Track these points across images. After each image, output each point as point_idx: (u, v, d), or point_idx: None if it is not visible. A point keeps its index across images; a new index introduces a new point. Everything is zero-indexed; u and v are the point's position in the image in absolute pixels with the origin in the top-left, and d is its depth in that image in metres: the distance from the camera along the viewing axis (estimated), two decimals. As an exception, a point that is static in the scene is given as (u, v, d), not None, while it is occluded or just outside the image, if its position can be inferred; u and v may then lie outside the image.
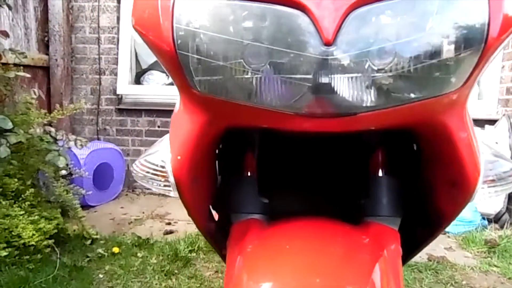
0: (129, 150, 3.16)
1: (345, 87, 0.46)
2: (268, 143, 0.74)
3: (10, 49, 1.79)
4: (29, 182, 1.86)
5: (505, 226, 2.45)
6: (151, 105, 3.11)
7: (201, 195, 0.69)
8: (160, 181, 0.65)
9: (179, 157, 0.59)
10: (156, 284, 1.78)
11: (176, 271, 1.89)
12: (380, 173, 0.67)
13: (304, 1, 0.45)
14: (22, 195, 1.76)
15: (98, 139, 3.14)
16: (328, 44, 0.44)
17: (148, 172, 0.66)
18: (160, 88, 3.14)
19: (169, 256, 2.01)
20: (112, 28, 3.08)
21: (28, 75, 1.95)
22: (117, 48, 3.10)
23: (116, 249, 2.05)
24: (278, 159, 0.77)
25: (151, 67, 3.24)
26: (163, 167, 0.64)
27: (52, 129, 1.84)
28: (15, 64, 2.00)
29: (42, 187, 2.01)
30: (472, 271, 2.00)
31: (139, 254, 2.05)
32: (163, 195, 3.14)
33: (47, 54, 3.00)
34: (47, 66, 3.00)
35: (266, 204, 0.71)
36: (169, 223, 2.57)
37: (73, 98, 3.14)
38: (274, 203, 0.71)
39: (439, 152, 0.58)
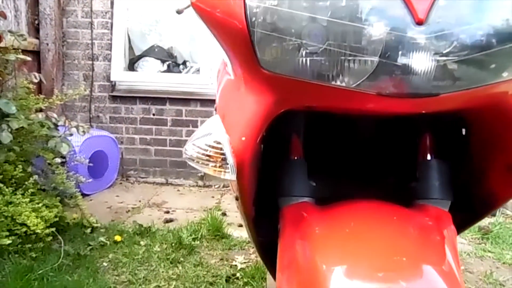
0: (123, 138, 3.10)
1: (430, 68, 0.47)
2: (314, 126, 0.74)
3: (9, 31, 1.72)
4: (29, 169, 1.81)
5: (496, 214, 2.53)
6: (146, 93, 3.06)
7: (253, 179, 0.68)
8: (215, 162, 0.64)
9: (243, 138, 0.58)
10: (162, 272, 1.77)
11: (181, 259, 1.88)
12: (430, 157, 0.68)
13: None
14: (26, 183, 1.71)
15: (91, 126, 3.06)
16: (420, 23, 0.44)
17: (201, 154, 0.65)
18: (155, 75, 3.09)
19: (172, 244, 2.00)
20: (106, 12, 2.99)
21: (28, 58, 1.88)
22: (111, 34, 3.01)
23: (118, 238, 2.02)
24: (324, 142, 0.77)
25: (145, 54, 3.18)
26: (217, 148, 0.63)
27: (54, 115, 1.78)
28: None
29: (40, 174, 1.96)
30: (468, 257, 2.07)
31: (141, 243, 2.03)
32: (158, 183, 3.12)
33: (38, 38, 2.90)
34: (38, 50, 2.90)
35: (314, 188, 0.71)
36: (167, 212, 2.55)
37: (65, 84, 3.06)
38: (321, 186, 0.71)
39: (497, 136, 0.59)
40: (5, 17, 1.75)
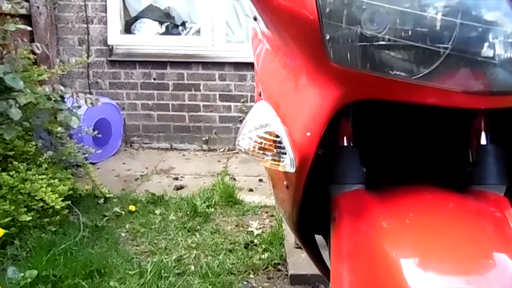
0: (124, 104, 3.04)
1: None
2: (362, 110, 0.72)
3: (6, -1, 1.62)
4: (39, 144, 1.77)
5: None
6: (145, 56, 2.96)
7: (309, 171, 0.66)
8: (269, 154, 0.63)
9: (308, 134, 0.56)
10: (181, 240, 1.80)
11: (198, 227, 1.91)
12: (486, 141, 0.66)
13: None
14: (39, 159, 1.69)
15: (90, 93, 2.99)
16: None
17: (256, 146, 0.63)
18: (154, 38, 2.98)
19: (188, 213, 2.02)
20: (98, -29, 2.82)
21: (30, 28, 1.79)
22: (105, -6, 2.86)
23: (132, 207, 2.04)
24: (373, 126, 0.75)
25: (141, 15, 3.05)
26: (274, 141, 0.62)
27: (61, 87, 1.72)
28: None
29: (50, 147, 1.93)
30: None
31: (156, 212, 2.05)
32: (162, 149, 3.10)
33: (27, 1, 2.74)
34: (29, 14, 2.75)
35: (365, 174, 0.70)
36: (176, 178, 2.55)
37: (60, 49, 2.94)
38: (372, 172, 0.70)
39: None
40: (-2, -18, 1.63)
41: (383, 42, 0.48)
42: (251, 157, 0.65)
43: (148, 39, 2.97)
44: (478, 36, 0.45)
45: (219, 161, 2.90)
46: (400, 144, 0.77)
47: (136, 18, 3.03)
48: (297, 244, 1.64)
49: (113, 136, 2.87)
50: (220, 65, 2.96)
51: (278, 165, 0.63)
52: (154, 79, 3.00)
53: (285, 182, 0.72)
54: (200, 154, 3.06)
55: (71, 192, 1.88)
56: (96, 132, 2.09)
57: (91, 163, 2.64)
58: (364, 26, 0.48)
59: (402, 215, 0.58)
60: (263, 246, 1.74)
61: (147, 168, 2.72)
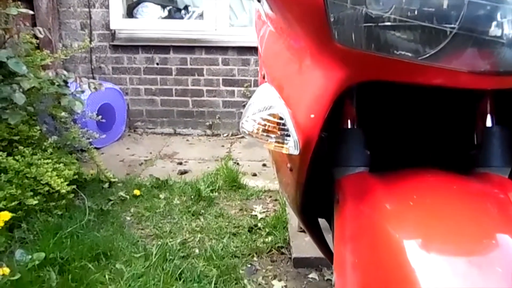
0: (127, 89, 3.04)
1: None
2: (365, 92, 0.71)
3: (7, -18, 1.60)
4: (44, 129, 1.78)
5: None
6: (148, 41, 2.94)
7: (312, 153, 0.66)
8: (273, 136, 0.63)
9: (312, 116, 0.56)
10: (185, 224, 1.82)
11: (202, 211, 1.93)
12: (491, 123, 0.66)
13: None
14: (45, 143, 1.70)
15: (94, 78, 2.98)
16: None
17: (260, 128, 0.63)
18: (157, 22, 2.95)
19: (192, 197, 2.04)
20: (99, -47, 2.79)
21: (31, 12, 1.78)
22: (106, -23, 2.83)
23: (137, 192, 2.06)
24: (376, 109, 0.75)
25: (144, -1, 3.02)
26: (278, 123, 0.61)
27: (65, 72, 1.72)
28: None
29: (54, 132, 1.93)
30: None
31: (161, 196, 2.06)
32: (166, 134, 3.10)
33: (29, -16, 2.71)
34: (30, -2, 2.73)
35: (369, 156, 0.70)
36: (180, 163, 2.57)
37: (62, 34, 2.92)
38: (376, 154, 0.70)
39: None
40: (-1, -34, 1.61)
41: (389, 23, 0.47)
42: (255, 139, 0.65)
43: (151, 23, 2.94)
44: (486, 15, 0.44)
45: (223, 146, 2.90)
46: (405, 127, 0.77)
47: (138, 2, 3.00)
48: (301, 228, 1.65)
49: (117, 121, 2.87)
50: (223, 49, 2.93)
51: (282, 147, 0.63)
52: (157, 63, 2.99)
53: (288, 165, 0.72)
54: (203, 139, 3.07)
55: (76, 176, 1.90)
56: (100, 117, 2.10)
57: (95, 148, 2.67)
58: (369, 6, 0.47)
59: (405, 197, 0.58)
60: (267, 230, 1.75)
61: (151, 153, 2.73)
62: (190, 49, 2.94)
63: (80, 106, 1.72)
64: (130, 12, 3.00)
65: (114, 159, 2.59)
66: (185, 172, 2.42)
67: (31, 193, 1.63)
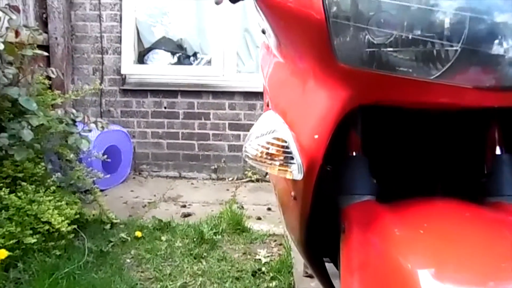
0: (134, 132, 3.07)
1: None
2: (372, 120, 0.71)
3: (24, 26, 1.68)
4: (50, 166, 1.78)
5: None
6: (157, 86, 3.02)
7: (317, 179, 0.65)
8: (278, 161, 0.61)
9: (316, 136, 0.55)
10: (187, 267, 1.75)
11: (204, 254, 1.87)
12: (501, 151, 0.65)
13: None
14: (48, 181, 1.69)
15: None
16: None
17: (263, 152, 0.62)
18: (165, 68, 3.05)
19: (194, 239, 1.98)
20: (114, 5, 2.94)
21: (46, 53, 1.85)
22: (120, 26, 2.97)
23: (138, 233, 2.01)
24: (383, 137, 0.74)
25: (155, 46, 3.14)
26: (282, 146, 0.60)
27: (73, 111, 1.75)
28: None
29: (59, 171, 1.93)
30: None
31: (163, 238, 2.01)
32: (171, 177, 3.09)
33: (46, 32, 2.85)
34: (47, 45, 2.85)
35: (376, 185, 0.68)
36: (184, 206, 2.53)
37: (75, 78, 3.02)
38: (383, 183, 0.68)
39: None
40: (18, 11, 1.70)
41: (391, 49, 0.48)
42: (258, 164, 0.64)
43: (160, 68, 3.04)
44: (488, 32, 0.44)
45: (228, 190, 2.87)
46: (414, 156, 0.75)
47: (150, 49, 3.12)
48: (306, 273, 1.59)
49: (123, 164, 2.88)
50: (230, 94, 2.99)
51: (286, 171, 0.62)
52: (165, 107, 3.04)
53: (292, 193, 0.70)
54: (208, 182, 3.04)
55: (77, 216, 1.87)
56: (105, 156, 2.10)
57: (99, 189, 2.65)
58: (371, 33, 0.48)
59: (415, 225, 0.56)
60: (271, 274, 1.68)
61: (155, 195, 2.70)
62: (197, 94, 3.01)
63: (86, 144, 1.73)
64: (141, 59, 3.11)
65: (117, 201, 2.56)
66: (188, 215, 2.38)
67: (31, 232, 1.60)
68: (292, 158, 0.60)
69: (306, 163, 0.57)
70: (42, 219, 1.58)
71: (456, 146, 0.74)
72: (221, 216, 2.22)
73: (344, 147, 0.70)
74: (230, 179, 3.08)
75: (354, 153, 0.69)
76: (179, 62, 3.10)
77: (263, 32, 0.76)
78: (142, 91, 3.03)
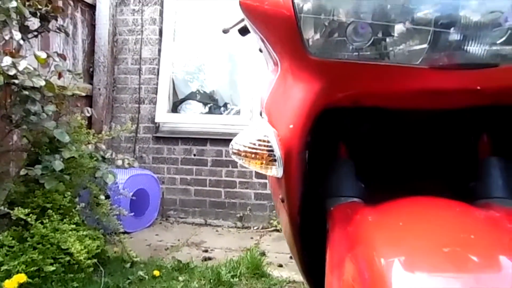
0: (164, 178, 3.17)
1: (483, 38, 0.45)
2: (362, 128, 0.72)
3: (68, 70, 1.87)
4: (76, 200, 1.87)
5: None
6: (188, 134, 3.15)
7: (300, 177, 0.66)
8: (261, 158, 0.64)
9: (291, 126, 0.57)
10: (200, 307, 1.71)
11: (220, 296, 1.82)
12: (490, 155, 0.64)
13: None
14: (73, 211, 1.76)
15: (137, 163, 3.16)
16: None
17: (248, 149, 0.65)
18: (197, 117, 3.20)
19: (211, 281, 1.95)
20: (153, 59, 3.20)
21: (83, 94, 2.02)
22: (157, 79, 3.20)
23: (156, 273, 2.00)
24: (374, 144, 0.75)
25: (188, 97, 3.32)
26: (265, 141, 0.63)
27: (103, 146, 1.87)
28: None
29: (86, 206, 2.01)
30: None
31: (180, 278, 1.99)
32: (197, 224, 3.11)
33: (91, 83, 3.12)
34: (90, 95, 3.10)
35: (363, 188, 0.68)
36: (206, 251, 2.51)
37: (112, 126, 3.22)
38: (372, 188, 0.68)
39: None
40: (65, 58, 1.91)
41: (368, 53, 0.51)
42: (242, 160, 0.66)
43: (191, 117, 3.19)
44: (448, 16, 0.47)
45: (252, 238, 2.83)
46: (405, 160, 0.75)
47: (183, 100, 3.31)
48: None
49: (150, 208, 2.94)
50: (257, 143, 3.06)
51: (268, 167, 0.64)
52: (194, 155, 3.15)
53: (280, 196, 0.71)
54: (233, 230, 3.02)
55: (98, 251, 1.91)
56: (131, 193, 2.17)
57: (126, 232, 2.70)
58: (337, 16, 0.52)
59: (394, 220, 0.55)
60: (286, 319, 1.60)
61: (178, 240, 2.71)
62: (226, 142, 3.09)
63: (112, 179, 1.82)
64: (175, 108, 3.29)
65: (141, 243, 2.59)
66: (209, 258, 2.35)
67: (52, 260, 1.65)
68: (275, 155, 0.63)
69: (283, 153, 0.59)
70: (63, 248, 1.63)
71: (446, 150, 0.73)
72: (240, 260, 2.18)
73: (333, 153, 0.72)
74: (255, 227, 3.04)
75: (342, 158, 0.70)
76: (210, 112, 3.25)
77: (260, 50, 0.82)
78: (173, 138, 3.17)
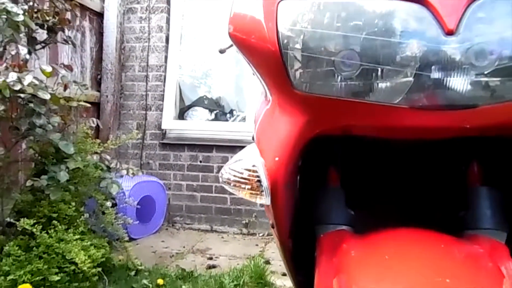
0: (170, 184, 3.19)
1: (465, 79, 0.46)
2: (354, 155, 0.73)
3: (74, 81, 1.90)
4: (82, 209, 1.90)
5: None
6: (194, 140, 3.17)
7: (288, 205, 0.67)
8: (248, 185, 0.64)
9: (276, 159, 0.58)
10: (203, 317, 1.72)
11: (222, 306, 1.83)
12: (480, 184, 0.63)
13: None
14: (77, 221, 1.79)
15: (141, 173, 3.19)
16: (450, 33, 0.44)
17: (236, 177, 0.66)
18: (203, 124, 3.22)
19: (214, 290, 1.96)
20: (160, 66, 3.23)
21: (89, 105, 2.05)
22: (164, 85, 3.22)
23: (160, 281, 2.02)
24: (362, 172, 0.75)
25: (195, 104, 3.35)
26: (253, 171, 0.64)
27: (108, 157, 1.89)
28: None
29: (91, 215, 2.04)
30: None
31: (183, 287, 2.00)
32: (202, 230, 3.12)
33: (99, 91, 3.16)
34: (98, 102, 3.14)
35: (353, 216, 0.68)
36: (211, 258, 2.53)
37: (120, 133, 3.25)
38: (361, 216, 0.68)
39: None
40: (71, 70, 1.94)
41: (356, 82, 0.51)
42: (232, 189, 0.67)
43: (198, 124, 3.21)
44: (429, 59, 0.47)
45: (257, 245, 2.84)
46: (396, 189, 0.75)
47: (190, 106, 3.33)
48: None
49: (156, 214, 2.97)
50: (263, 149, 3.06)
51: (257, 195, 0.64)
52: (200, 161, 3.16)
53: (271, 221, 0.72)
54: (239, 237, 3.03)
55: (103, 259, 1.93)
56: (136, 202, 2.20)
57: (132, 238, 2.73)
58: (321, 55, 0.52)
59: (377, 253, 0.56)
60: (287, 331, 1.60)
61: (184, 247, 2.73)
62: (232, 148, 3.11)
63: (116, 189, 1.84)
64: (181, 115, 3.32)
65: (147, 250, 2.61)
66: (213, 266, 2.36)
67: (57, 270, 1.67)
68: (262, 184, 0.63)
69: (270, 184, 0.60)
70: (67, 257, 1.66)
71: (438, 178, 0.73)
72: (244, 269, 2.18)
73: (323, 180, 0.72)
74: (260, 234, 3.05)
75: (332, 186, 0.71)
76: (216, 118, 3.27)
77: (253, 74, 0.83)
78: (179, 145, 3.19)
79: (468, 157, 0.67)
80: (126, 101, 3.27)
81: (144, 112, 3.23)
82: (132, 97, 3.26)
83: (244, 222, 3.09)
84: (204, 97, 3.39)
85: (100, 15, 3.14)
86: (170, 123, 3.20)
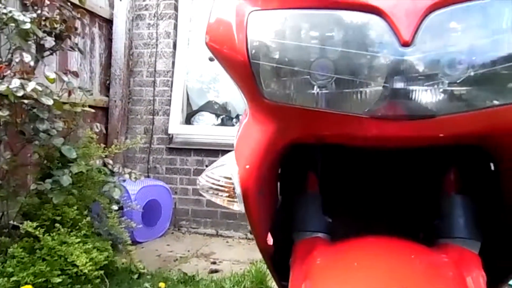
0: (177, 188, 3.22)
1: (421, 90, 0.46)
2: (333, 162, 0.73)
3: (79, 87, 1.94)
4: (85, 212, 1.93)
5: None
6: (200, 145, 3.20)
7: (265, 211, 0.68)
8: (225, 192, 0.66)
9: (247, 166, 0.59)
10: (201, 322, 1.73)
11: (221, 310, 1.84)
12: (455, 193, 0.63)
13: (379, 5, 0.46)
14: (80, 224, 1.83)
15: (148, 177, 3.24)
16: (405, 44, 0.44)
17: (214, 184, 0.67)
18: (209, 128, 3.24)
19: (214, 295, 1.97)
20: (167, 72, 3.27)
21: (93, 110, 2.09)
22: (171, 91, 3.26)
23: (162, 285, 2.04)
24: (341, 178, 0.75)
25: (202, 109, 3.38)
26: (229, 178, 0.65)
27: (111, 161, 1.93)
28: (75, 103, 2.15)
29: (95, 218, 2.08)
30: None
31: (184, 291, 2.02)
32: (208, 234, 3.14)
33: (107, 96, 3.22)
34: (107, 107, 3.20)
35: (330, 223, 0.68)
36: (214, 262, 2.54)
37: (128, 137, 3.30)
38: (338, 222, 0.69)
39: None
40: (77, 75, 1.98)
41: (328, 90, 0.52)
42: (209, 196, 0.68)
43: (204, 129, 3.24)
44: (387, 70, 0.47)
45: (261, 250, 2.84)
46: (372, 197, 0.75)
47: (197, 111, 3.36)
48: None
49: (162, 218, 3.00)
50: (268, 154, 3.07)
51: (232, 203, 0.65)
52: (206, 165, 3.18)
53: (249, 227, 0.73)
54: (243, 241, 3.04)
55: (106, 262, 1.96)
56: (139, 207, 2.22)
57: (138, 242, 2.76)
58: (289, 65, 0.53)
59: (343, 261, 0.56)
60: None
61: (188, 251, 2.75)
62: (237, 153, 3.13)
63: (118, 193, 1.87)
64: (188, 120, 3.35)
65: (151, 253, 2.64)
66: (216, 271, 2.38)
67: (59, 272, 1.70)
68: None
69: (241, 191, 0.60)
70: (69, 260, 1.69)
71: (416, 185, 0.73)
72: (245, 274, 2.19)
73: (302, 186, 0.73)
74: (265, 239, 3.05)
75: (310, 192, 0.71)
76: (223, 123, 3.29)
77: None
78: (186, 149, 3.22)
79: (447, 165, 0.66)
80: (134, 106, 3.32)
81: (151, 117, 3.28)
82: (140, 102, 3.31)
83: (249, 227, 3.09)
84: (213, 102, 3.42)
85: (109, 22, 3.21)
86: (177, 128, 3.23)
